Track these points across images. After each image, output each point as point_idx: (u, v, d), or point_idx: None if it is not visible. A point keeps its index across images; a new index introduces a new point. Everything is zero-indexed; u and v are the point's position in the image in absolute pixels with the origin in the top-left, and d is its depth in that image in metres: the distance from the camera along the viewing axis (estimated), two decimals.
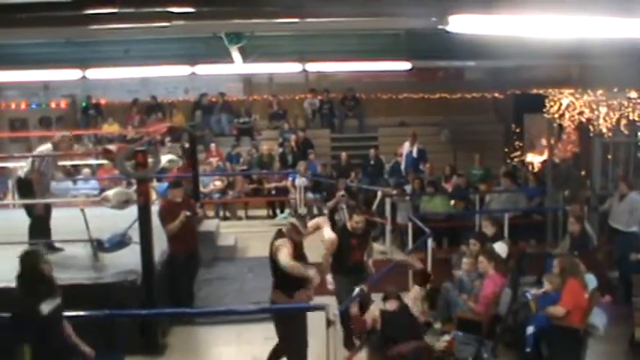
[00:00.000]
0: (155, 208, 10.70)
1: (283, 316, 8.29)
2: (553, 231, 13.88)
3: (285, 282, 8.20)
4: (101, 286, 9.30)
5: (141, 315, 8.99)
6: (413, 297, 8.48)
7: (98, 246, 10.11)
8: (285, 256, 8.05)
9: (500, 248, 10.54)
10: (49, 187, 10.78)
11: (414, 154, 19.62)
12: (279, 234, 8.48)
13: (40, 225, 10.43)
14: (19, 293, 6.63)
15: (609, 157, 13.52)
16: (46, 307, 6.51)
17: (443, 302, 10.07)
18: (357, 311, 8.82)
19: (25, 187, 10.35)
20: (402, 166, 19.55)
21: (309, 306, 8.55)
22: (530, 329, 8.94)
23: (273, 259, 8.18)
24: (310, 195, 18.41)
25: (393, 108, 23.30)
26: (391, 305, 8.34)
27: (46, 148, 10.59)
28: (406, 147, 19.83)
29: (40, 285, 6.66)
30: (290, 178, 18.87)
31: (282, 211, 18.82)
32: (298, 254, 8.35)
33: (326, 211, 14.93)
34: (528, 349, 8.93)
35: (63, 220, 10.85)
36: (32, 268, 6.73)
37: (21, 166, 11.13)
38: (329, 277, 9.65)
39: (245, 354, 9.47)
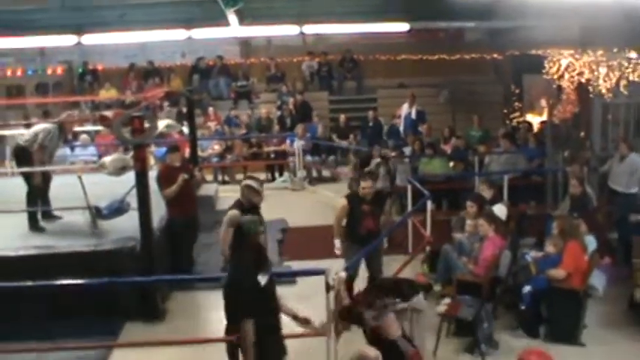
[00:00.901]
0: (153, 174, 10.65)
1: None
2: (553, 192, 13.83)
3: None
4: (100, 253, 9.29)
5: (140, 282, 8.98)
6: None
7: (96, 213, 10.10)
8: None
9: (500, 210, 10.50)
10: (50, 160, 10.74)
11: (413, 115, 19.56)
12: (235, 204, 8.46)
13: (37, 193, 10.40)
14: (236, 263, 6.51)
15: (609, 117, 13.43)
16: (263, 278, 6.42)
17: (442, 265, 10.04)
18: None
19: (23, 156, 10.31)
20: (401, 128, 19.49)
21: (309, 270, 8.55)
22: (527, 288, 8.97)
23: None
24: (309, 158, 18.40)
25: (391, 69, 23.13)
26: None
27: (52, 126, 10.54)
28: (405, 109, 19.76)
29: (258, 255, 6.56)
30: (289, 141, 18.82)
31: (280, 175, 18.84)
32: None
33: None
34: (523, 307, 8.98)
35: (61, 188, 10.83)
36: (251, 238, 6.60)
37: (20, 134, 11.07)
38: (337, 243, 9.48)
39: None
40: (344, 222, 9.58)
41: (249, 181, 8.63)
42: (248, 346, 6.35)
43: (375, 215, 9.52)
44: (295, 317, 7.04)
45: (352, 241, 9.48)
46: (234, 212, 8.28)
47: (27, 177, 10.38)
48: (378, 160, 14.20)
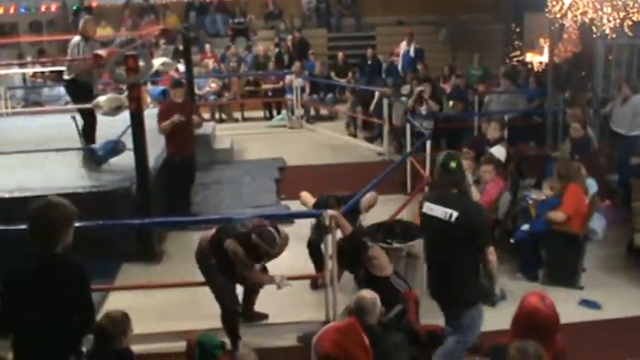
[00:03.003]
0: (148, 113, 10.48)
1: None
2: (553, 133, 13.73)
3: None
4: (96, 194, 9.20)
5: (136, 224, 8.91)
6: None
7: (91, 154, 9.98)
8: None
9: (498, 151, 10.39)
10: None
11: (411, 53, 19.33)
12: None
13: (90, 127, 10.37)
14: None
15: (610, 58, 13.25)
16: None
17: None
18: None
19: (75, 89, 10.24)
20: (399, 66, 19.28)
21: (307, 212, 8.46)
22: (525, 227, 8.98)
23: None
24: (306, 96, 18.24)
25: (390, 6, 22.94)
26: None
27: (74, 40, 10.35)
28: (403, 46, 19.53)
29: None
30: (287, 79, 18.64)
31: (278, 113, 18.72)
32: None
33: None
34: (512, 240, 9.03)
35: (55, 128, 10.70)
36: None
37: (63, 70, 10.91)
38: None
39: None
40: None
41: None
42: None
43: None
44: None
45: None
46: None
47: (82, 112, 10.25)
48: (421, 88, 13.79)
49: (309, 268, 8.37)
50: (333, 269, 7.48)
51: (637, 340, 7.45)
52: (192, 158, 11.18)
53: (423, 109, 13.45)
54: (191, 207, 11.06)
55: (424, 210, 6.16)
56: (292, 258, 8.14)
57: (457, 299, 6.15)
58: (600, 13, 11.89)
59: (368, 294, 5.81)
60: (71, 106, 10.92)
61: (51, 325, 4.54)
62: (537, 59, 18.68)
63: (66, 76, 10.39)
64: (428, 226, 6.26)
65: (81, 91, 10.13)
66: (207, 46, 20.47)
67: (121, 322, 5.34)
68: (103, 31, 21.02)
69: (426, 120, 13.07)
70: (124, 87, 10.66)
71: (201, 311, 7.80)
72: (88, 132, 10.33)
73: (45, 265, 4.61)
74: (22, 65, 11.16)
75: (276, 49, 20.79)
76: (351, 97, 17.27)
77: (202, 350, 5.94)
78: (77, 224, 7.57)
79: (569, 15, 12.32)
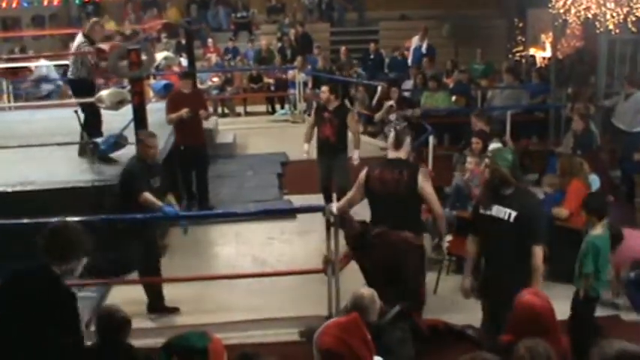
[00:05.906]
0: (150, 107, 10.48)
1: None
2: (556, 128, 13.71)
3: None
4: (98, 188, 9.17)
5: (138, 219, 8.90)
6: None
7: (94, 148, 9.96)
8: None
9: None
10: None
11: (423, 49, 19.21)
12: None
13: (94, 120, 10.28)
14: None
15: (615, 54, 13.20)
16: None
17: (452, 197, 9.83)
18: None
19: (79, 87, 10.17)
20: (409, 61, 19.17)
21: (309, 206, 8.45)
22: None
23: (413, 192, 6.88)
24: (308, 90, 18.20)
25: (393, 1, 22.89)
26: None
27: (78, 40, 10.25)
28: (415, 42, 19.42)
29: None
30: (290, 74, 18.62)
31: (282, 107, 18.70)
32: None
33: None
34: None
35: (57, 122, 10.68)
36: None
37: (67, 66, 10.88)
38: (305, 146, 10.42)
39: (244, 254, 9.46)
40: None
41: None
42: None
43: (333, 124, 10.01)
44: None
45: (317, 149, 10.25)
46: None
47: (84, 108, 10.15)
48: (391, 102, 13.34)
49: (310, 263, 8.36)
50: (335, 263, 7.47)
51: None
52: (199, 148, 11.18)
53: (393, 117, 12.64)
54: (193, 201, 11.04)
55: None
56: (294, 253, 8.17)
57: None
58: (604, 8, 11.87)
59: (365, 291, 5.77)
60: (74, 100, 10.88)
61: (27, 342, 4.55)
62: (540, 54, 18.67)
63: (70, 75, 10.36)
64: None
65: (83, 88, 10.09)
66: (210, 41, 20.46)
67: (121, 318, 5.31)
68: (107, 26, 21.01)
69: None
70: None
71: (204, 306, 7.83)
72: (91, 126, 10.30)
73: (42, 276, 4.70)
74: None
75: (279, 44, 20.79)
76: (361, 93, 17.08)
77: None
78: (79, 218, 7.63)
79: (573, 10, 12.30)
